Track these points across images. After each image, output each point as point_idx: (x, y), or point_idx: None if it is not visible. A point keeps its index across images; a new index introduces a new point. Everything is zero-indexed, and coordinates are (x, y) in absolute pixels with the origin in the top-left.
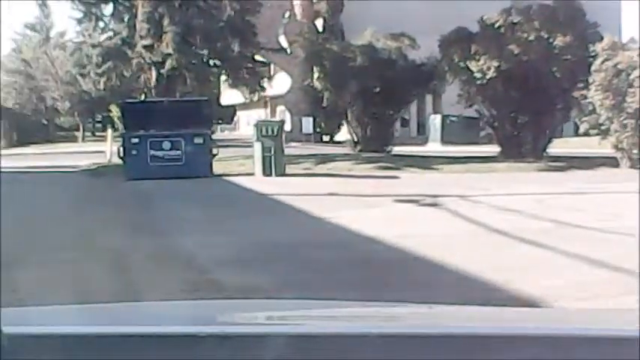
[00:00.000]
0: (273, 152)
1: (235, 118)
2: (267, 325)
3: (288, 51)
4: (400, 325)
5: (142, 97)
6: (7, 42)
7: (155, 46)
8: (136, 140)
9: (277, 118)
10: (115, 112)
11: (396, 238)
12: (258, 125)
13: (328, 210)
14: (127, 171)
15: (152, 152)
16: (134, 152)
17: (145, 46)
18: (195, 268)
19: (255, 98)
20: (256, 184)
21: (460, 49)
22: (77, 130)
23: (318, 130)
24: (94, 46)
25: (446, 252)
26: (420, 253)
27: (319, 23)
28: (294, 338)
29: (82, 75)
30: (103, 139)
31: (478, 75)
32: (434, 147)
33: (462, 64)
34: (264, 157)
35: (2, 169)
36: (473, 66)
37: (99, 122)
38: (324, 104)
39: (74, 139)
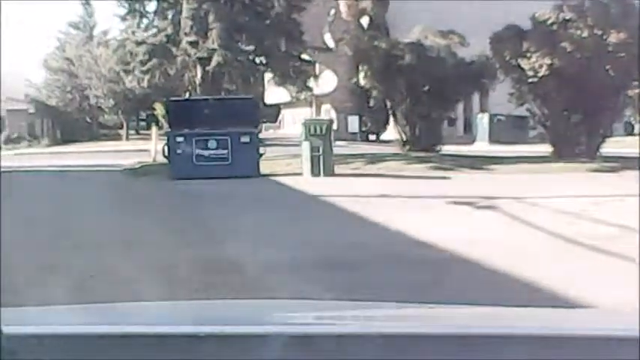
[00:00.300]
0: (321, 152)
1: (279, 117)
2: (267, 325)
3: (334, 49)
4: (400, 325)
5: (187, 95)
6: (50, 41)
7: (200, 42)
8: (181, 139)
9: (325, 117)
10: (159, 110)
11: (458, 245)
12: (307, 124)
13: (382, 213)
14: (171, 170)
15: (198, 151)
16: (179, 151)
17: (190, 43)
18: (246, 275)
19: (302, 97)
20: (305, 184)
21: (511, 47)
22: (121, 128)
23: (363, 129)
24: (138, 43)
25: (514, 261)
26: (485, 262)
27: (364, 21)
28: (294, 338)
29: (125, 72)
30: (147, 137)
31: (530, 73)
32: (481, 146)
33: (513, 61)
34: (312, 157)
35: (46, 168)
36: (524, 64)
37: (143, 120)
38: (371, 103)
39: (118, 138)
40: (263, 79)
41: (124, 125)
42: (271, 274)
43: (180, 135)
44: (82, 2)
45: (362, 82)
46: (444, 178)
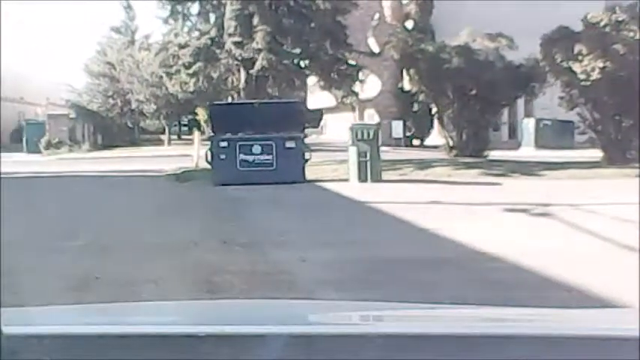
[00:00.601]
0: (368, 157)
1: (322, 122)
2: (268, 325)
3: (378, 53)
4: (400, 325)
5: (230, 99)
6: (91, 45)
7: (245, 44)
8: (224, 144)
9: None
10: (201, 114)
11: (516, 255)
12: (354, 128)
13: (433, 220)
14: (214, 176)
15: (242, 156)
16: (222, 156)
17: (234, 43)
18: (296, 288)
19: (348, 101)
20: (352, 190)
21: (563, 49)
22: (162, 133)
23: (407, 134)
24: (181, 46)
25: (580, 273)
26: (548, 274)
27: (409, 25)
28: (294, 338)
29: (168, 76)
30: (189, 142)
31: (581, 76)
32: (527, 152)
33: (564, 64)
34: (359, 162)
35: (87, 173)
36: (576, 67)
37: (184, 125)
38: (415, 108)
39: (160, 143)
40: (305, 83)
41: (166, 130)
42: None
43: (224, 140)
44: (123, 6)
45: (406, 86)
46: (495, 184)
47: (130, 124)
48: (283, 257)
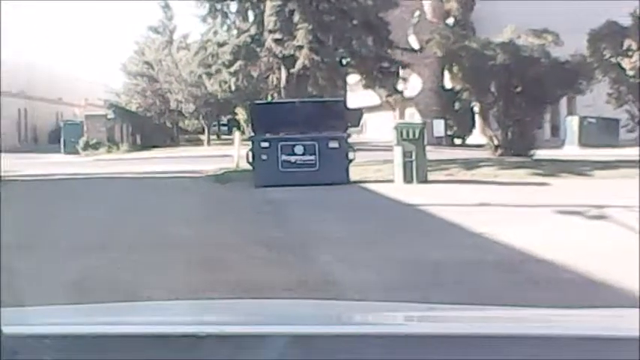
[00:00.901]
0: (414, 157)
1: (362, 121)
2: (267, 325)
3: (419, 51)
4: (400, 325)
5: (269, 98)
6: (129, 45)
7: (285, 42)
8: (265, 144)
9: (411, 121)
10: (241, 114)
11: (582, 264)
12: (399, 128)
13: (484, 224)
14: (256, 177)
15: (283, 157)
16: (264, 157)
17: (275, 41)
18: (345, 296)
19: (392, 99)
20: (399, 192)
21: (611, 45)
22: (201, 133)
23: (449, 132)
24: (220, 44)
25: None
26: (618, 285)
27: (450, 22)
28: (294, 338)
29: (207, 75)
30: (229, 142)
31: (631, 72)
32: (571, 150)
33: (612, 60)
34: (404, 163)
35: (126, 175)
36: (625, 63)
37: (224, 125)
38: (456, 106)
39: (199, 143)
40: (344, 81)
41: (206, 130)
42: (372, 293)
43: (265, 140)
44: (161, 5)
45: (448, 84)
46: (543, 184)
47: (168, 125)
48: (334, 264)
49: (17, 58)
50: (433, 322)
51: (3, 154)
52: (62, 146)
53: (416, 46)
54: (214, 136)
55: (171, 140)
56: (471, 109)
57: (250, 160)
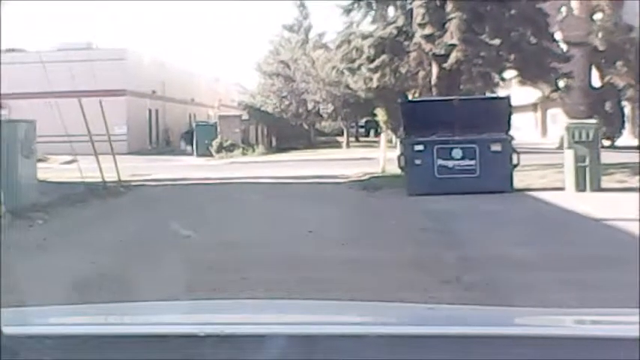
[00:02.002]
0: (587, 162)
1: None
2: (267, 325)
3: (564, 47)
4: (400, 325)
5: (410, 96)
6: (263, 45)
7: (436, 35)
8: (420, 147)
9: (553, 122)
10: (380, 115)
11: None
12: (570, 128)
13: None
14: (409, 184)
15: (440, 162)
16: (418, 162)
17: (424, 36)
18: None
19: (555, 97)
20: (574, 202)
21: None
22: (338, 135)
23: None
24: (364, 37)
25: None
26: None
27: (597, 18)
28: (294, 338)
29: (350, 71)
30: (368, 144)
31: None
32: None
33: None
34: (577, 168)
35: (261, 180)
36: None
37: (361, 127)
38: (607, 106)
39: (336, 145)
40: (501, 77)
41: (344, 132)
42: None
43: (419, 143)
44: (296, 4)
45: (596, 82)
46: None
47: (305, 126)
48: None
49: (148, 58)
50: (433, 322)
51: (133, 157)
52: (195, 148)
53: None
54: (352, 138)
55: (307, 142)
56: (621, 108)
57: (403, 164)
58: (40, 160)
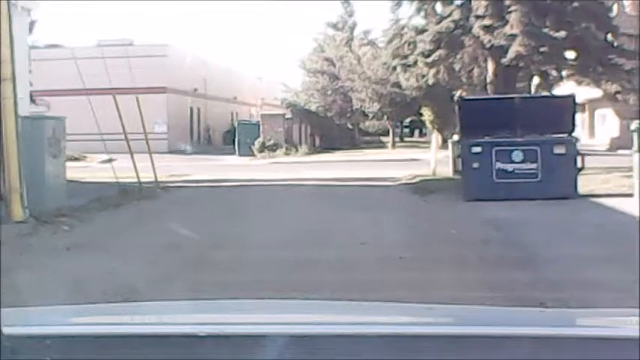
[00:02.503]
0: None
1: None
2: (267, 325)
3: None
4: (400, 325)
5: (458, 95)
6: (306, 43)
7: (495, 30)
8: (477, 149)
9: (601, 123)
10: (426, 114)
11: None
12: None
13: None
14: (465, 189)
15: (499, 165)
16: (475, 165)
17: (483, 28)
18: None
19: (621, 97)
20: None
21: None
22: (382, 134)
23: None
24: (419, 31)
25: None
26: None
27: None
28: (294, 338)
29: (403, 67)
30: (413, 145)
31: None
32: None
33: None
34: None
35: (307, 182)
36: None
37: (405, 127)
38: None
39: (381, 145)
40: (560, 75)
41: (390, 132)
42: None
43: (477, 144)
44: (341, 1)
45: None
46: None
47: (349, 126)
48: None
49: (190, 55)
50: (433, 322)
51: (173, 156)
52: (237, 147)
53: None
54: (397, 138)
55: (351, 142)
56: None
57: (459, 167)
58: (76, 159)
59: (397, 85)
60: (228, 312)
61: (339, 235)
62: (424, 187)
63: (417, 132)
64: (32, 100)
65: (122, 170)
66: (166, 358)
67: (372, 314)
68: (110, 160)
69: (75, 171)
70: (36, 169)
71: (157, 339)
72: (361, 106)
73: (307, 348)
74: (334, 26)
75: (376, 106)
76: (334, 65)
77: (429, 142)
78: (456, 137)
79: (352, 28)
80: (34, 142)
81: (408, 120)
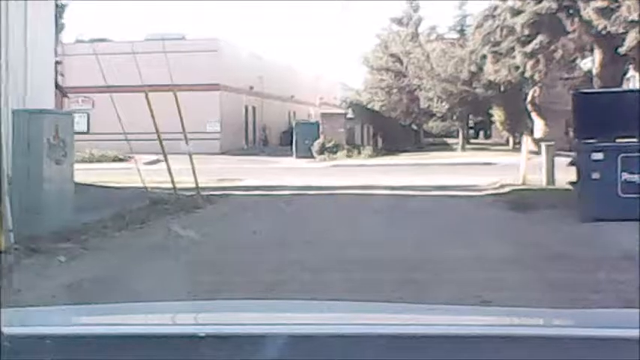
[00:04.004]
0: None
1: None
2: (267, 325)
3: None
4: (400, 325)
5: (531, 93)
6: (368, 40)
7: (610, 11)
8: (599, 156)
9: None
10: (497, 115)
11: None
12: None
13: None
14: (583, 205)
15: (625, 176)
16: (595, 175)
17: (597, 9)
18: None
19: None
20: None
21: None
22: (446, 136)
23: None
24: (515, 12)
25: None
26: None
27: None
28: (294, 338)
29: (495, 55)
30: (483, 147)
31: None
32: None
33: None
34: None
35: (376, 190)
36: None
37: (471, 128)
38: None
39: (447, 147)
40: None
41: (459, 133)
42: None
43: (598, 150)
44: None
45: None
46: None
47: (414, 126)
48: None
49: (245, 51)
50: (433, 322)
51: (226, 157)
52: (294, 148)
53: None
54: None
55: (416, 144)
56: None
57: (577, 178)
58: (121, 160)
59: (468, 82)
60: (228, 312)
61: (427, 269)
62: (520, 201)
63: (481, 133)
64: (64, 94)
65: (165, 174)
66: (166, 358)
67: (372, 314)
68: (157, 161)
69: (110, 174)
70: (31, 177)
71: (157, 339)
72: (429, 106)
73: (307, 348)
74: (399, 22)
75: (445, 106)
76: (401, 62)
77: (496, 145)
78: (525, 138)
79: (417, 24)
80: (29, 143)
81: (474, 121)
